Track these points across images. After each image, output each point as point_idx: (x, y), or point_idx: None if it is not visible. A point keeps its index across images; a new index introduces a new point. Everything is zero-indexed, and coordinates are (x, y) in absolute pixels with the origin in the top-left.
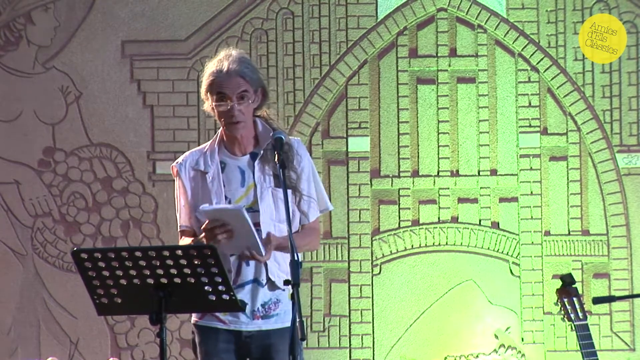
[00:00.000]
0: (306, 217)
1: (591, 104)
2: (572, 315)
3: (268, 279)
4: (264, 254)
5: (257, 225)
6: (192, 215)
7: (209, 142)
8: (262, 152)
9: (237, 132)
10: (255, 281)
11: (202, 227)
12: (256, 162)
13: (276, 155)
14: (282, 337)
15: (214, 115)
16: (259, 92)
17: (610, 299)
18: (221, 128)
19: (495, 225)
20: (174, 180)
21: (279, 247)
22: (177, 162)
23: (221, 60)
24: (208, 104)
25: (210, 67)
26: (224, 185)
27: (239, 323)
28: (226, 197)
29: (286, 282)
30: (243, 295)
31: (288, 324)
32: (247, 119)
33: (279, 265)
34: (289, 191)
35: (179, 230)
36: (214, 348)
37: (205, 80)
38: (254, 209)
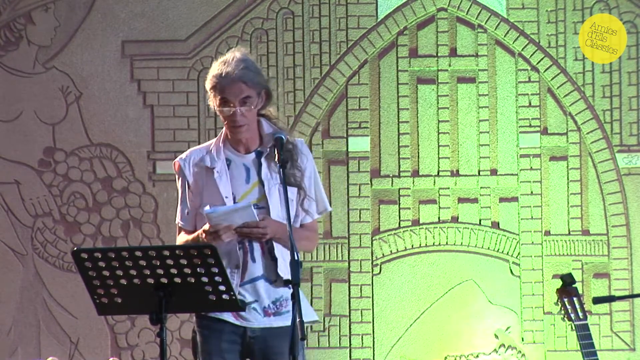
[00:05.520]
0: (308, 215)
1: (591, 104)
2: (572, 315)
3: (278, 275)
4: (257, 219)
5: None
6: (192, 212)
7: (213, 140)
8: (267, 150)
9: (241, 135)
10: (264, 278)
11: (204, 229)
12: (262, 160)
13: (276, 155)
14: (288, 336)
15: (219, 114)
16: (262, 94)
17: (610, 299)
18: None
19: (496, 225)
20: (176, 176)
21: (278, 232)
22: (180, 158)
23: (225, 62)
24: (212, 103)
25: (215, 68)
26: (230, 181)
27: (250, 320)
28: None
29: (286, 282)
30: (253, 291)
31: None
32: (251, 122)
33: (284, 262)
34: (295, 189)
35: (177, 225)
36: (217, 347)
37: (208, 81)
38: (259, 206)
